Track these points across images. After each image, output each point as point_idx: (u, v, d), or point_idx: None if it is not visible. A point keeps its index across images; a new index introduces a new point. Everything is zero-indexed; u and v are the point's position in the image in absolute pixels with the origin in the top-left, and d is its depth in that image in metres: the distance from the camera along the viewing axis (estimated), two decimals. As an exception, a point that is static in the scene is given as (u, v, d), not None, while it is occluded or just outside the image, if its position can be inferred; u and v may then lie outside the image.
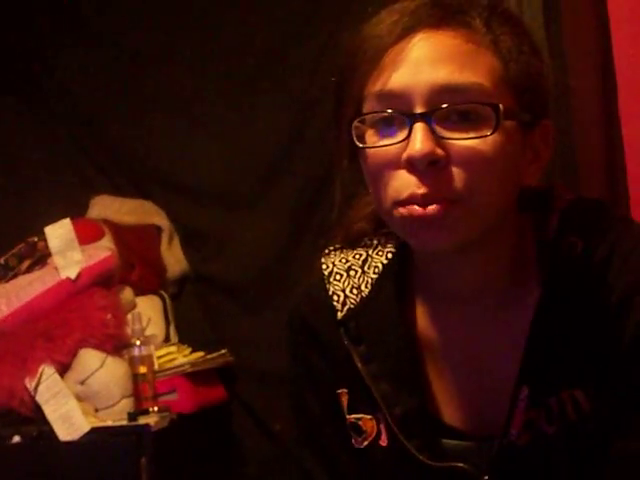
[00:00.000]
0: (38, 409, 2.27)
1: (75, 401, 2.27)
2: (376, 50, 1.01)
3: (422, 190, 0.98)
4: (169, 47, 2.79)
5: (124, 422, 2.28)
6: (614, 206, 1.76)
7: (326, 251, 1.18)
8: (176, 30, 2.77)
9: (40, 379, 2.27)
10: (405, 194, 0.99)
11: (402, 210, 1.00)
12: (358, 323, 1.11)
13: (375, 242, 1.15)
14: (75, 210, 2.65)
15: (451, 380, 1.10)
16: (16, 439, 2.28)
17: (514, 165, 1.02)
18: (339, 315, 1.12)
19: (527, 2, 1.78)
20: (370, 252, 1.15)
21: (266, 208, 2.71)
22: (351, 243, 1.17)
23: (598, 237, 1.05)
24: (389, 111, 1.00)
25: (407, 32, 1.00)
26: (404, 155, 0.99)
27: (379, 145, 1.01)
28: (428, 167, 0.98)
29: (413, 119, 0.98)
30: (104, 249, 2.50)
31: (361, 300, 1.12)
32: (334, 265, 1.16)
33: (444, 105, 0.98)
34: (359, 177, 1.07)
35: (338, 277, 1.14)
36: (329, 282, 1.14)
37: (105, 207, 2.78)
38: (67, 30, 2.87)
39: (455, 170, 0.98)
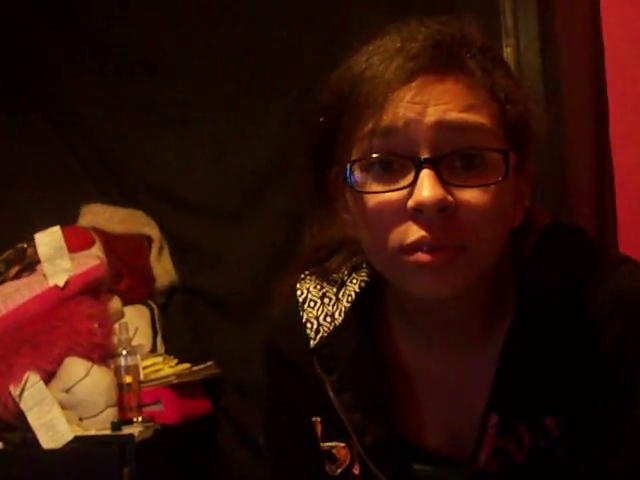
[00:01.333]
0: (22, 416, 2.27)
1: (59, 409, 2.27)
2: (381, 94, 0.96)
3: (430, 237, 0.95)
4: (162, 61, 2.80)
5: (108, 431, 2.28)
6: (603, 229, 1.78)
7: (302, 276, 1.16)
8: (168, 45, 2.78)
9: (25, 386, 2.26)
10: (412, 239, 0.95)
11: (407, 257, 0.96)
12: (330, 352, 1.09)
13: (350, 269, 1.13)
14: (66, 218, 2.65)
15: (426, 406, 1.09)
16: (-2, 446, 2.28)
17: (508, 209, 1.01)
18: (312, 343, 1.10)
19: (523, 28, 1.79)
20: (345, 279, 1.13)
21: (257, 222, 2.71)
22: (324, 275, 1.14)
23: (570, 265, 1.04)
24: (393, 154, 0.96)
25: (412, 77, 0.97)
26: (411, 202, 0.95)
27: (381, 190, 0.97)
28: (436, 215, 0.94)
29: (420, 164, 0.95)
30: (93, 258, 2.50)
31: (334, 329, 1.10)
32: (309, 291, 1.13)
33: (451, 150, 0.95)
34: (330, 216, 1.06)
35: (312, 304, 1.12)
36: (303, 309, 1.12)
37: (96, 215, 2.78)
38: (61, 41, 2.88)
39: (462, 217, 0.95)
